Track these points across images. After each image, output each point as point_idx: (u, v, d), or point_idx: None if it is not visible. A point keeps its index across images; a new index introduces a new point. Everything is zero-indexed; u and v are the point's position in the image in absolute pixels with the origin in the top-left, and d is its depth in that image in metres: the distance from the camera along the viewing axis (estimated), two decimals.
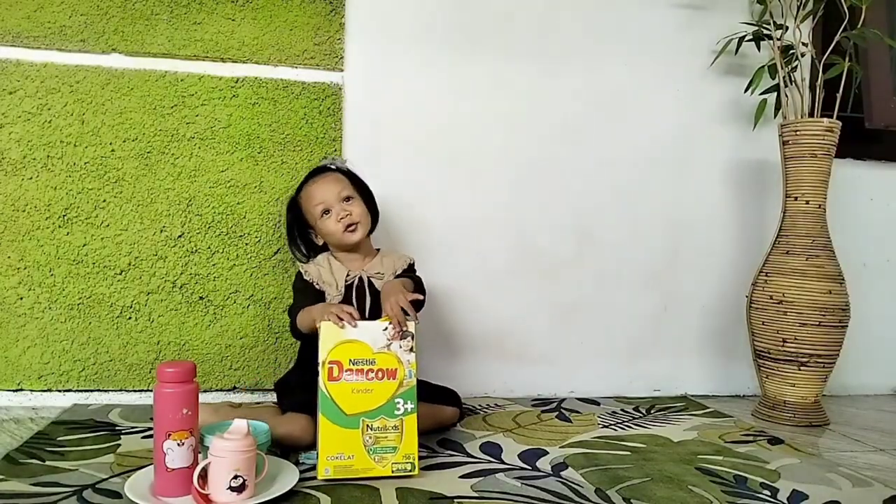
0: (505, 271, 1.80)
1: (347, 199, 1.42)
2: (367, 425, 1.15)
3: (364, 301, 1.39)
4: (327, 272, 1.41)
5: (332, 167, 1.48)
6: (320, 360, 1.16)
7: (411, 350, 1.20)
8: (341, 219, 1.40)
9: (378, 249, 1.50)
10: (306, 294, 1.39)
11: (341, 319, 1.18)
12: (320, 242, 1.49)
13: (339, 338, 1.17)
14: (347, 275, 1.41)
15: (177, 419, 1.00)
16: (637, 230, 1.87)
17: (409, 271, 1.47)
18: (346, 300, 1.38)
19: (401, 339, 1.19)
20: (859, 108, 1.97)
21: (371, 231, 1.48)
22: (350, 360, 1.16)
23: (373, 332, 1.19)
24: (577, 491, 1.13)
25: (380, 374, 1.17)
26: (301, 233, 1.51)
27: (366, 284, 1.41)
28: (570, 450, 1.35)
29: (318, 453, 1.13)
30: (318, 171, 1.48)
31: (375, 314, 1.34)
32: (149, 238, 1.61)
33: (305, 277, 1.41)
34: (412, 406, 1.18)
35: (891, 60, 2.01)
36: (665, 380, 1.90)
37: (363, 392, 1.16)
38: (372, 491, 1.09)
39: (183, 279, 1.62)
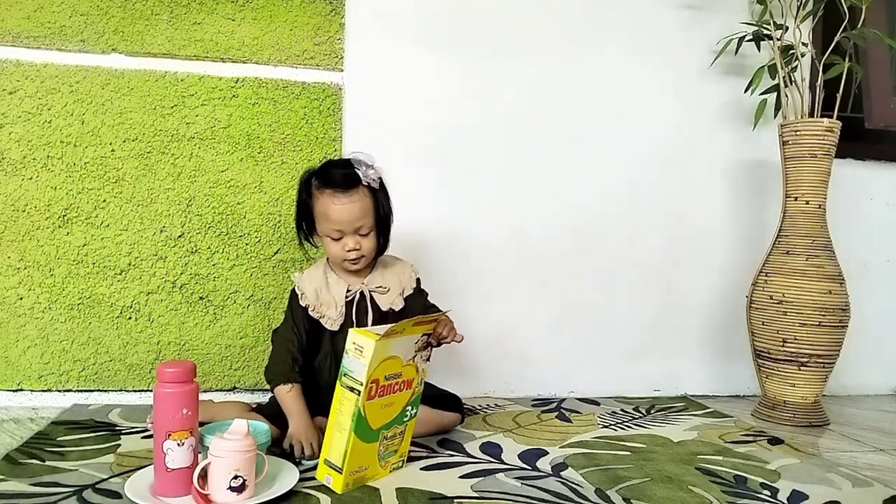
0: (505, 271, 1.80)
1: (364, 233, 1.30)
2: (384, 436, 1.13)
3: (366, 318, 1.34)
4: (324, 290, 1.33)
5: (365, 182, 1.29)
6: (363, 379, 1.06)
7: (428, 359, 1.19)
8: (349, 250, 1.29)
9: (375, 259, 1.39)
10: (299, 325, 1.32)
11: (303, 452, 1.20)
12: (319, 244, 1.37)
13: (384, 354, 1.08)
14: (347, 290, 1.34)
15: (177, 419, 1.00)
16: (637, 230, 1.87)
17: (419, 291, 1.41)
18: (347, 320, 1.32)
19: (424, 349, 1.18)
20: (859, 108, 1.97)
21: (377, 257, 1.38)
22: (385, 377, 1.10)
23: (406, 345, 1.13)
24: (577, 491, 1.12)
25: (401, 386, 1.14)
26: (304, 217, 1.36)
27: (367, 300, 1.34)
28: (570, 450, 1.35)
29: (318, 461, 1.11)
30: (348, 183, 1.28)
31: None
32: (149, 238, 1.61)
33: (302, 302, 1.32)
34: (416, 410, 1.19)
35: (891, 60, 2.02)
36: (665, 380, 1.90)
37: (388, 406, 1.13)
38: (372, 491, 1.09)
39: (183, 279, 1.62)
